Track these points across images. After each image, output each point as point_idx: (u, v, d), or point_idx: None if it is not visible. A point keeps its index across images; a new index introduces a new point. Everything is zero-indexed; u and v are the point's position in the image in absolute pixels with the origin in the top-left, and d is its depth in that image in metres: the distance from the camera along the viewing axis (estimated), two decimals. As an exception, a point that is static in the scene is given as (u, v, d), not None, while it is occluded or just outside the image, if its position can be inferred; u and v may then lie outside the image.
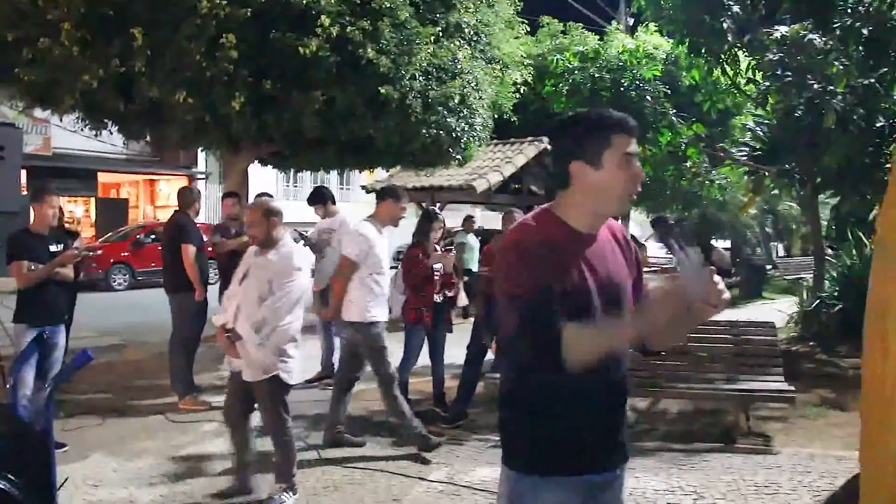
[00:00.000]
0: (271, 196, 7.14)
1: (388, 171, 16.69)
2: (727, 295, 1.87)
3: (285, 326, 4.26)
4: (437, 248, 6.46)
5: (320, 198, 7.87)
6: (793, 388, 5.70)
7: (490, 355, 6.69)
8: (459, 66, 9.63)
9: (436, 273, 6.32)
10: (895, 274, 3.37)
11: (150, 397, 7.12)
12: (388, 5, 8.48)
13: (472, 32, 10.28)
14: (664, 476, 4.91)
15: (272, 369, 4.30)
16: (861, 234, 11.24)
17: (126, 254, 18.78)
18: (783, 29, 7.46)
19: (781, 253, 27.25)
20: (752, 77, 9.95)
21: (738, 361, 5.98)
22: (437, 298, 6.38)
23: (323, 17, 8.01)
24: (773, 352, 6.01)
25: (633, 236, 7.49)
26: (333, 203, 7.92)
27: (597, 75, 11.56)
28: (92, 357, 2.98)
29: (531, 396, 2.09)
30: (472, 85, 9.96)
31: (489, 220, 32.91)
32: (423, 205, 14.69)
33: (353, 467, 5.19)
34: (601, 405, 2.10)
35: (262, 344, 4.21)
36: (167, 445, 5.69)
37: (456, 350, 6.87)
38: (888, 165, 8.27)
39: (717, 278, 1.86)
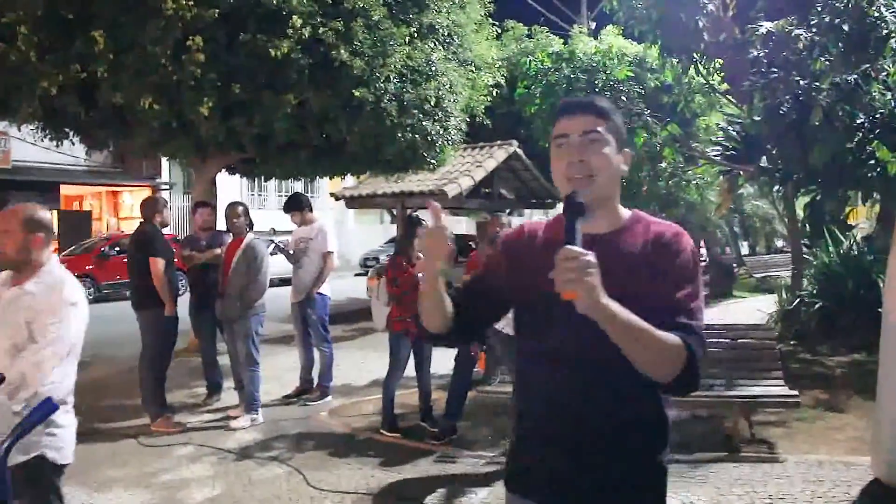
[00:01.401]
0: (244, 205, 6.90)
1: (358, 177, 16.43)
2: (567, 277, 1.53)
3: (52, 386, 2.94)
4: (422, 255, 6.17)
5: (297, 205, 7.55)
6: (795, 392, 5.54)
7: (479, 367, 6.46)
8: (434, 68, 9.42)
9: (421, 282, 6.04)
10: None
11: (119, 419, 6.75)
12: (361, 5, 8.26)
13: (445, 34, 10.08)
14: (672, 490, 4.65)
15: (33, 447, 2.95)
16: (837, 231, 11.23)
17: (90, 267, 18.25)
18: (768, 24, 7.32)
19: (745, 251, 27.47)
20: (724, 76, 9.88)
21: (738, 366, 5.79)
22: (423, 308, 6.10)
23: (294, 17, 7.75)
24: (773, 355, 5.84)
25: None
26: (310, 210, 7.61)
27: (572, 76, 11.37)
28: (57, 407, 2.59)
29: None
30: (446, 87, 9.74)
31: (454, 225, 32.92)
32: (408, 211, 14.46)
33: (344, 492, 4.89)
34: (566, 426, 1.84)
35: (20, 412, 2.82)
36: (140, 473, 5.34)
37: (442, 359, 6.62)
38: (871, 162, 8.21)
39: (574, 258, 1.54)
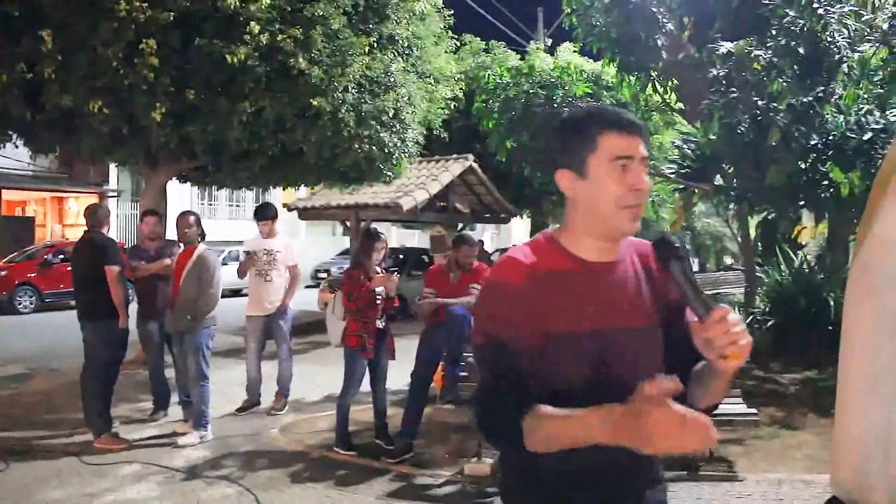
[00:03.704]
0: (196, 214, 6.68)
1: (311, 188, 16.24)
2: (746, 341, 1.47)
3: None
4: (379, 269, 6.04)
5: (270, 214, 7.42)
6: (755, 410, 5.52)
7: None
8: (393, 79, 9.33)
9: (378, 297, 5.91)
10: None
11: (60, 435, 6.45)
12: (321, 14, 8.12)
13: (404, 45, 10.01)
14: (632, 511, 4.62)
15: None
16: (788, 250, 11.41)
17: (33, 275, 17.68)
18: (728, 45, 7.40)
19: (695, 268, 27.90)
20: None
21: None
22: (380, 324, 5.96)
23: (252, 23, 7.59)
24: (731, 374, 5.82)
25: None
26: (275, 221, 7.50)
27: (530, 91, 11.38)
28: None
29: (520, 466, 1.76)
30: (405, 99, 9.66)
31: (406, 238, 32.83)
32: (362, 223, 14.30)
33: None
34: (611, 477, 1.66)
35: None
36: (81, 493, 5.07)
37: (398, 376, 6.49)
38: (825, 183, 8.34)
39: (732, 318, 1.47)
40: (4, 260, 18.98)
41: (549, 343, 1.62)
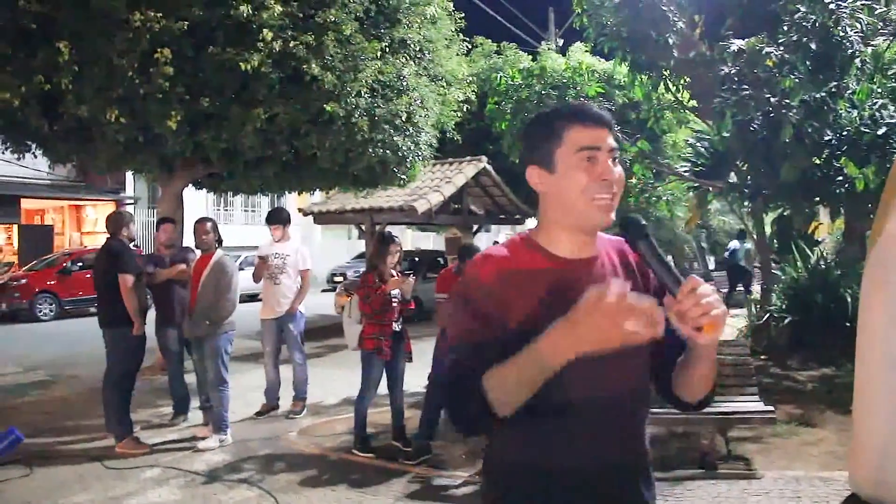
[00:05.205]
0: (213, 220, 6.74)
1: (326, 192, 16.31)
2: (719, 311, 1.42)
3: None
4: (395, 272, 6.08)
5: (283, 219, 7.51)
6: (772, 408, 5.52)
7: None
8: (405, 83, 9.38)
9: (394, 300, 5.95)
10: None
11: (82, 441, 6.54)
12: (333, 19, 8.17)
13: (416, 49, 10.06)
14: (650, 509, 4.63)
15: None
16: (804, 246, 11.35)
17: (52, 282, 17.87)
18: (739, 42, 7.39)
19: (712, 266, 27.75)
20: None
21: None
22: (396, 327, 6.01)
23: (265, 30, 7.64)
24: (748, 371, 5.82)
25: None
26: (287, 226, 7.58)
27: (542, 92, 11.39)
28: (22, 439, 2.44)
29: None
30: (417, 102, 9.70)
31: (421, 240, 32.88)
32: (377, 226, 14.35)
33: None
34: (598, 485, 1.64)
35: None
36: (104, 497, 5.15)
37: (415, 378, 6.53)
38: (839, 178, 8.31)
39: (703, 289, 1.43)
40: (24, 268, 19.20)
41: (525, 342, 1.53)
